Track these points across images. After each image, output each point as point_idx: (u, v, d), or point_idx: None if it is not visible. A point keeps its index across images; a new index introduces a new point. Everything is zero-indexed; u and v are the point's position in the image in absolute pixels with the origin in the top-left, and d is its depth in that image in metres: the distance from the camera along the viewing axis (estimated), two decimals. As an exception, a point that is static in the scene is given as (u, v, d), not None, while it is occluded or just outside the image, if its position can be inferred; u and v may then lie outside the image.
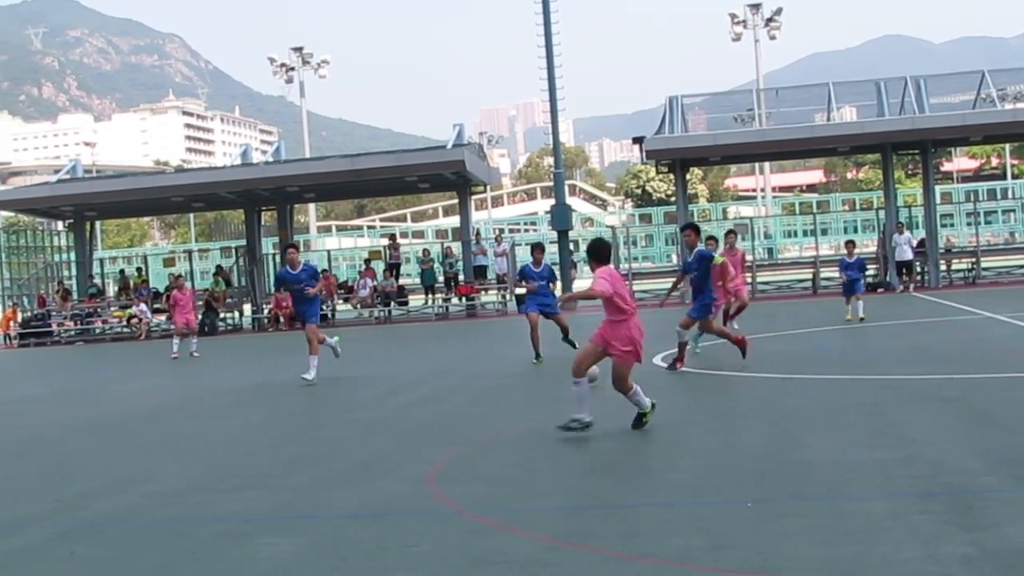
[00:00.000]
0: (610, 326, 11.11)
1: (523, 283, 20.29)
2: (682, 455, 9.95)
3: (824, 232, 63.87)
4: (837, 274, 40.24)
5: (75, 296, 46.74)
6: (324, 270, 46.91)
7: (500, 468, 9.93)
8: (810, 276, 43.29)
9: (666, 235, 75.12)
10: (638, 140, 42.69)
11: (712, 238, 21.31)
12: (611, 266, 11.42)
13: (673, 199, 59.34)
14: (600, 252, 11.48)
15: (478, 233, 46.33)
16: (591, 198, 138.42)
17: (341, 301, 44.53)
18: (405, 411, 14.53)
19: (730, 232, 25.34)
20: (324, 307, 42.76)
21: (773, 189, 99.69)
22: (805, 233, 73.38)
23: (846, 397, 13.20)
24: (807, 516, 7.36)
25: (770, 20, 79.80)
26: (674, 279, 19.96)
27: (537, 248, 20.32)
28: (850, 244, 28.68)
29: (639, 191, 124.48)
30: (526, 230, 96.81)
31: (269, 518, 8.44)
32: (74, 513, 9.16)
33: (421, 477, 9.56)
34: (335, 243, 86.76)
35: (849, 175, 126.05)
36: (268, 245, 53.76)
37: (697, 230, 18.12)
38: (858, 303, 25.31)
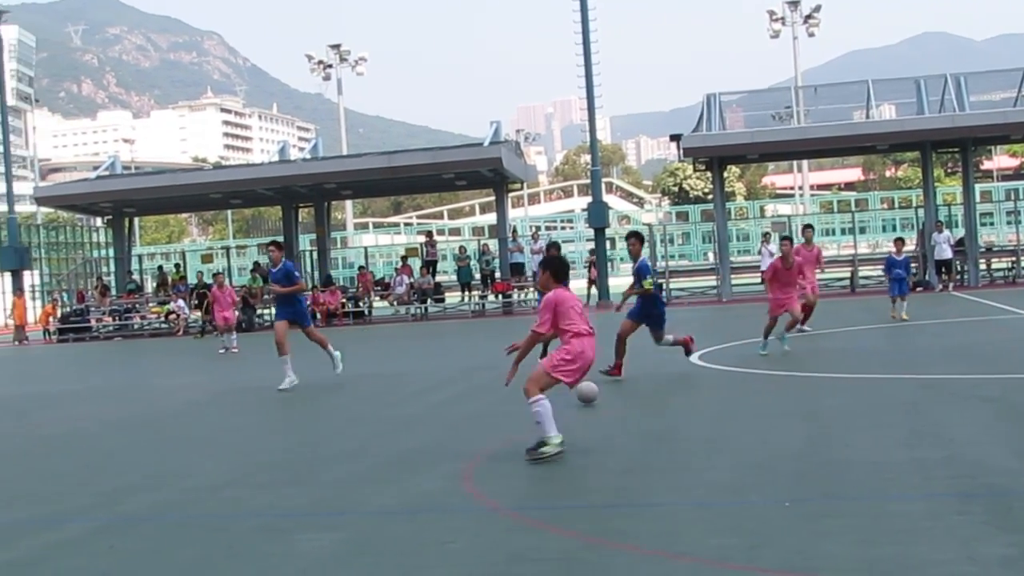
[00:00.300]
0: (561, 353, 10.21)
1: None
2: (719, 454, 9.90)
3: (862, 231, 63.48)
4: (875, 272, 40.18)
5: (113, 292, 47.07)
6: (362, 267, 47.03)
7: (535, 466, 9.92)
8: (848, 274, 43.04)
9: (703, 233, 74.85)
10: (675, 137, 42.58)
11: (787, 238, 20.09)
12: (561, 287, 10.35)
13: (710, 197, 59.25)
14: (557, 270, 10.54)
15: (515, 230, 46.33)
16: (628, 196, 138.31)
17: (378, 298, 44.60)
18: (441, 408, 14.54)
19: (807, 227, 25.16)
20: (360, 304, 42.93)
21: (811, 187, 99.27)
22: (843, 231, 72.93)
23: (885, 396, 13.12)
24: (845, 516, 7.31)
25: (808, 17, 79.48)
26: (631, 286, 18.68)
27: (552, 247, 19.75)
28: (899, 242, 28.13)
29: (676, 189, 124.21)
30: (563, 227, 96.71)
31: (306, 514, 8.46)
32: (113, 507, 9.21)
33: (458, 474, 9.57)
34: (372, 240, 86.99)
35: (888, 173, 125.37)
36: (305, 242, 53.95)
37: (641, 239, 17.02)
38: (902, 303, 25.10)
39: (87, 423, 15.51)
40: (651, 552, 6.68)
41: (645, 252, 17.53)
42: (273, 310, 19.52)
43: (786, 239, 20.03)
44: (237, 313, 32.05)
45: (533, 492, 8.83)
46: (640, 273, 16.31)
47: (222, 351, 28.30)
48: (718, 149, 41.62)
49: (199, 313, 40.89)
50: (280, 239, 25.18)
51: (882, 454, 9.39)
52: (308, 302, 41.39)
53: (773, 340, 18.55)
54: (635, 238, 16.81)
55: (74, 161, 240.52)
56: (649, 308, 16.54)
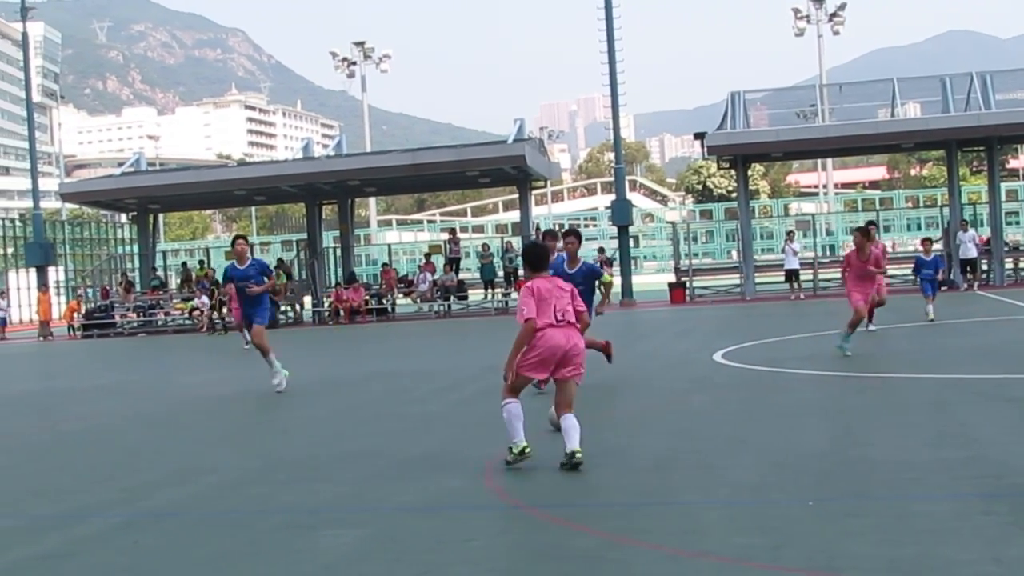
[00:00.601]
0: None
1: None
2: (743, 453, 9.87)
3: (887, 229, 63.37)
4: (900, 272, 39.99)
5: (138, 288, 47.24)
6: (385, 264, 47.04)
7: (558, 463, 9.91)
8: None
9: (727, 231, 74.88)
10: (699, 135, 42.50)
11: (865, 228, 19.34)
12: (544, 275, 9.77)
13: (734, 195, 59.20)
14: (530, 259, 9.95)
15: (538, 228, 46.31)
16: (651, 194, 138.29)
17: (401, 295, 44.64)
18: (464, 405, 14.55)
19: (871, 223, 24.98)
20: (384, 301, 42.97)
21: (835, 185, 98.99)
22: (867, 230, 72.70)
23: (910, 396, 13.07)
24: (870, 516, 7.28)
25: (833, 15, 79.23)
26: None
27: (548, 235, 19.05)
28: (927, 242, 27.87)
29: (700, 187, 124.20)
30: (586, 225, 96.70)
31: (329, 510, 8.46)
32: (136, 503, 9.24)
33: (480, 471, 9.56)
34: (395, 237, 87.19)
35: (913, 172, 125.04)
36: (329, 239, 54.04)
37: (579, 237, 15.02)
38: (929, 304, 24.90)
39: (111, 419, 15.57)
40: (675, 551, 6.67)
41: (587, 254, 17.12)
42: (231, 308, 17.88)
43: (862, 229, 19.35)
44: None
45: (556, 490, 8.81)
46: (594, 275, 15.03)
47: (247, 347, 28.31)
48: (742, 147, 41.52)
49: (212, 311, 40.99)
50: (245, 235, 23.43)
51: (907, 454, 9.35)
52: (346, 298, 41.62)
53: (858, 333, 18.26)
54: (573, 236, 14.94)
55: (99, 158, 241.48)
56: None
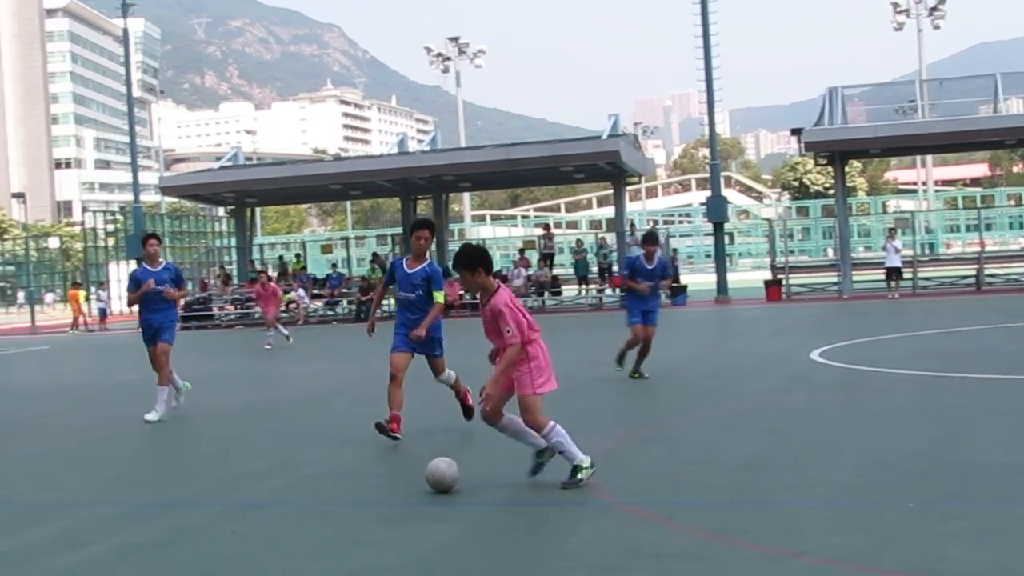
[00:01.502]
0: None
1: (634, 281, 16.37)
2: (840, 453, 9.76)
3: (988, 227, 62.36)
4: (1003, 271, 39.28)
5: (235, 281, 47.83)
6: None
7: (654, 461, 9.88)
8: (974, 272, 42.18)
9: (823, 229, 74.10)
10: (796, 131, 42.08)
11: None
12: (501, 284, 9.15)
13: (831, 192, 58.58)
14: (489, 262, 9.14)
15: (632, 224, 46.17)
16: (747, 190, 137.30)
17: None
18: (558, 401, 14.43)
19: None
20: (478, 296, 43.06)
21: (935, 183, 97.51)
22: (968, 228, 71.68)
23: (1012, 397, 12.85)
24: (972, 518, 7.16)
25: (934, 9, 77.94)
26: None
27: (650, 239, 16.75)
28: None
29: (796, 183, 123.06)
30: (680, 222, 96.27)
31: (425, 504, 8.50)
32: (235, 493, 9.37)
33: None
34: (489, 232, 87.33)
35: (1015, 169, 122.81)
36: (423, 233, 54.23)
37: (432, 230, 12.15)
38: None
39: (211, 410, 15.77)
40: (771, 550, 6.61)
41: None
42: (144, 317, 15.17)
43: None
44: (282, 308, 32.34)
45: (651, 487, 8.78)
46: (432, 281, 11.97)
47: (268, 346, 28.34)
48: (840, 143, 41.00)
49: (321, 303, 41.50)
50: (156, 232, 19.74)
51: (1009, 455, 9.19)
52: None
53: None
54: (427, 229, 12.02)
55: (197, 152, 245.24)
56: (431, 330, 12.09)
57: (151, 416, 14.39)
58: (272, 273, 42.73)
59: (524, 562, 6.66)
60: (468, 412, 12.48)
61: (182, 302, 14.44)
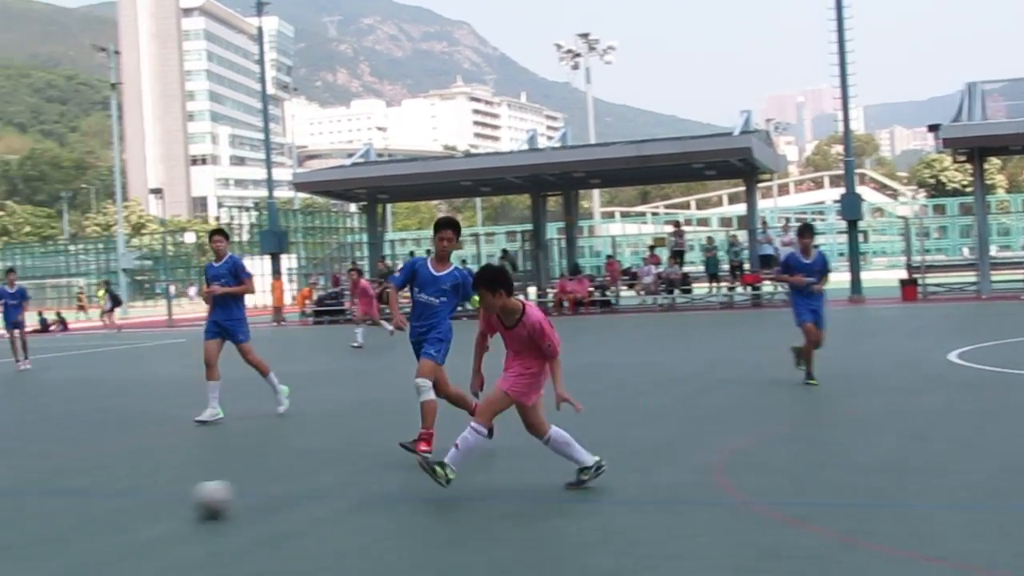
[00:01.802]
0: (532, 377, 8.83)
1: (790, 276, 15.44)
2: (979, 456, 9.55)
3: None
4: None
5: (367, 276, 48.33)
6: (610, 256, 47.05)
7: (788, 461, 9.76)
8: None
9: (961, 227, 72.56)
10: (934, 128, 41.21)
11: None
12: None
13: (969, 190, 57.34)
14: (502, 281, 8.77)
15: (764, 221, 45.71)
16: (881, 187, 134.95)
17: (625, 287, 44.63)
18: (689, 399, 14.43)
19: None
20: (607, 293, 43.01)
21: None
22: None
23: None
24: (1119, 526, 6.96)
25: (1079, 2, 75.84)
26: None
27: (805, 232, 15.73)
28: None
29: (932, 181, 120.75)
30: (813, 219, 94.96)
31: (555, 500, 8.52)
32: (367, 485, 9.48)
33: (707, 467, 9.49)
34: (619, 229, 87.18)
35: None
36: (552, 230, 54.43)
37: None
38: None
39: (341, 403, 15.97)
40: (909, 554, 6.50)
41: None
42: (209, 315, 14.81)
43: None
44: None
45: (786, 488, 8.67)
46: (462, 288, 11.24)
47: (355, 344, 28.11)
48: (979, 140, 40.05)
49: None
50: (224, 227, 18.77)
51: None
52: (570, 289, 41.79)
53: None
54: (450, 229, 10.99)
55: (329, 148, 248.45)
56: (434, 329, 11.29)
57: (281, 408, 14.56)
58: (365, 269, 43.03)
59: (656, 561, 6.62)
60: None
61: (246, 297, 13.89)
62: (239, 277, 14.59)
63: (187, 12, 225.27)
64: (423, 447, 10.33)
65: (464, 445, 8.63)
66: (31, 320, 50.90)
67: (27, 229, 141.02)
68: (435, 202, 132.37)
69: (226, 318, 14.49)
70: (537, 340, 8.65)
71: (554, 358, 8.72)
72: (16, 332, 26.76)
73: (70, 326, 53.36)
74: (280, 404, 14.64)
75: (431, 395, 10.69)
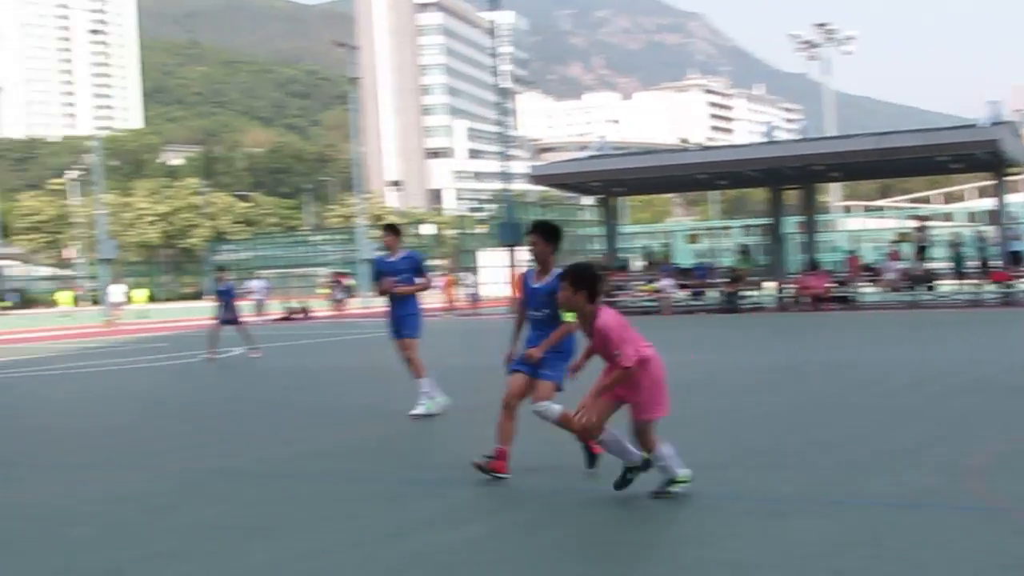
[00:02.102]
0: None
1: None
2: None
3: None
4: None
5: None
6: (851, 251, 46.07)
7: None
8: None
9: None
10: None
11: None
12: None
13: None
14: (587, 282, 8.34)
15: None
16: None
17: (866, 283, 43.69)
18: (941, 399, 13.96)
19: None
20: (848, 289, 42.17)
21: None
22: None
23: None
24: None
25: None
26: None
27: None
28: None
29: None
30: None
31: (799, 499, 8.36)
32: (593, 479, 9.48)
33: (960, 470, 9.18)
34: (858, 224, 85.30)
35: None
36: (789, 224, 53.56)
37: (543, 233, 9.84)
38: None
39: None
40: None
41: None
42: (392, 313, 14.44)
43: None
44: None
45: (1044, 495, 8.32)
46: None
47: None
48: None
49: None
50: (396, 222, 17.99)
51: None
52: (811, 285, 41.16)
53: None
54: (534, 233, 9.98)
55: (563, 141, 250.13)
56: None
57: (417, 411, 14.00)
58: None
59: (908, 567, 6.40)
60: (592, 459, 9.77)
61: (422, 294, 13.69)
62: (421, 273, 14.38)
63: (423, 7, 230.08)
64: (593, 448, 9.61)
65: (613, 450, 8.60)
66: (275, 309, 52.92)
67: (272, 220, 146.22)
68: (669, 195, 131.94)
69: (403, 313, 14.26)
70: (608, 347, 8.30)
71: (623, 369, 8.19)
72: (228, 326, 27.02)
73: (313, 314, 55.09)
74: (420, 406, 14.06)
75: (554, 413, 9.42)
